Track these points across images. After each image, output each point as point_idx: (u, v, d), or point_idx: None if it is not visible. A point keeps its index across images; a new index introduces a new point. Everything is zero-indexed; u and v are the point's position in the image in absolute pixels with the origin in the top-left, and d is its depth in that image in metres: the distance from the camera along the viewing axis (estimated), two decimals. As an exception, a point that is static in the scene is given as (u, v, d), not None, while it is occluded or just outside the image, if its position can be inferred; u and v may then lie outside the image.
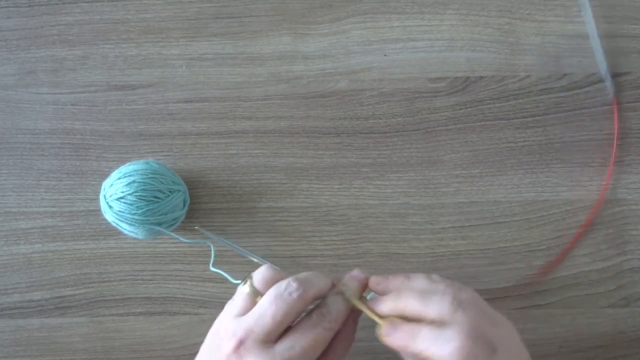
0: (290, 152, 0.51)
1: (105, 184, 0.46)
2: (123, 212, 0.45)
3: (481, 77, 0.51)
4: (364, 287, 0.39)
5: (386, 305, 0.36)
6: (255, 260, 0.43)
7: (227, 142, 0.51)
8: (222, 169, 0.51)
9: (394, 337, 0.34)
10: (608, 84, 0.49)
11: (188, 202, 0.48)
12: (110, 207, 0.45)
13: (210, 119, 0.51)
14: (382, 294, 0.37)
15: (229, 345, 0.34)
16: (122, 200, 0.45)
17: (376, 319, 0.36)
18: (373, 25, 0.51)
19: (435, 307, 0.34)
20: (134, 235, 0.47)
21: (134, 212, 0.44)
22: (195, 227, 0.49)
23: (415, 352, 0.33)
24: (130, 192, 0.44)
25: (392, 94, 0.51)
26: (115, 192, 0.45)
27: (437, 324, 0.33)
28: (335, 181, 0.50)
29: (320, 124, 0.51)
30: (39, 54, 0.52)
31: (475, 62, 0.51)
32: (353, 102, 0.51)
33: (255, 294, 0.36)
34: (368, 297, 0.38)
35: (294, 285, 0.35)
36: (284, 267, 0.49)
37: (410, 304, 0.35)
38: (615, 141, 0.50)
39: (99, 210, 0.47)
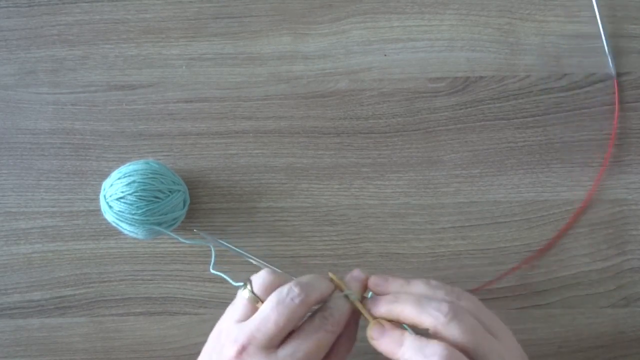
0: (290, 152, 0.51)
1: (105, 184, 0.46)
2: (123, 212, 0.45)
3: (481, 77, 0.51)
4: (365, 287, 0.39)
5: (382, 307, 0.36)
6: (254, 262, 0.43)
7: (227, 142, 0.51)
8: (222, 169, 0.51)
9: (379, 342, 0.35)
10: (612, 63, 0.49)
11: (188, 202, 0.48)
12: (110, 207, 0.45)
13: (210, 119, 0.51)
14: (380, 295, 0.37)
15: (231, 351, 0.34)
16: (122, 200, 0.45)
17: (370, 318, 0.36)
18: (373, 25, 0.51)
19: (431, 315, 0.33)
20: (134, 235, 0.47)
21: (134, 212, 0.44)
22: (194, 230, 0.49)
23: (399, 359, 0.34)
24: (130, 192, 0.44)
25: (392, 94, 0.51)
26: (115, 192, 0.45)
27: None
28: (335, 181, 0.50)
29: (320, 124, 0.51)
30: (39, 54, 0.52)
31: (475, 62, 0.51)
32: (353, 102, 0.51)
33: (256, 300, 0.36)
34: (368, 296, 0.38)
35: (296, 290, 0.35)
36: (284, 267, 0.49)
37: (406, 310, 0.34)
38: (612, 140, 0.50)
39: (99, 210, 0.47)
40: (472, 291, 0.46)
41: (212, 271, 0.45)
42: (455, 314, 0.33)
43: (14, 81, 0.52)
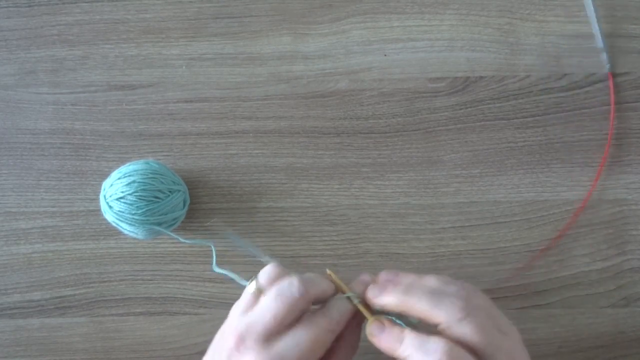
0: (290, 152, 0.51)
1: (105, 184, 0.46)
2: (123, 212, 0.45)
3: (481, 77, 0.51)
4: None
5: (393, 297, 0.35)
6: (264, 260, 0.43)
7: (227, 142, 0.51)
8: (222, 169, 0.51)
9: (379, 338, 0.34)
10: (606, 56, 0.49)
11: (188, 202, 0.48)
12: (110, 207, 0.45)
13: (210, 119, 0.51)
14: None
15: (231, 340, 0.34)
16: (122, 200, 0.45)
17: (369, 316, 0.36)
18: (373, 25, 0.51)
19: (445, 310, 0.33)
20: (134, 235, 0.47)
21: (134, 212, 0.44)
22: (210, 223, 0.48)
23: (399, 357, 0.33)
24: (130, 192, 0.44)
25: (392, 94, 0.51)
26: (115, 192, 0.45)
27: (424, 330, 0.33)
28: (335, 181, 0.50)
29: (320, 124, 0.51)
30: (39, 54, 0.52)
31: (475, 62, 0.51)
32: (353, 102, 0.51)
33: (260, 292, 0.36)
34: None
35: (296, 283, 0.35)
36: (284, 267, 0.49)
37: (419, 303, 0.34)
38: (609, 139, 0.50)
39: (99, 210, 0.47)
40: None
41: (217, 270, 0.45)
42: (468, 311, 0.33)
43: (14, 81, 0.52)
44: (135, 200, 0.44)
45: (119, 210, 0.45)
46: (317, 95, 0.51)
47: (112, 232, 0.50)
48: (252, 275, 0.38)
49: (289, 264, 0.50)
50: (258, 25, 0.52)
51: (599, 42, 0.49)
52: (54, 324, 0.50)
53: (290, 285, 0.35)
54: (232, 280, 0.42)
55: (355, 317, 0.37)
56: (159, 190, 0.45)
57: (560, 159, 0.50)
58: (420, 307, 0.34)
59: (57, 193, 0.51)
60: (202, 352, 0.50)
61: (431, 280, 0.36)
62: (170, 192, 0.46)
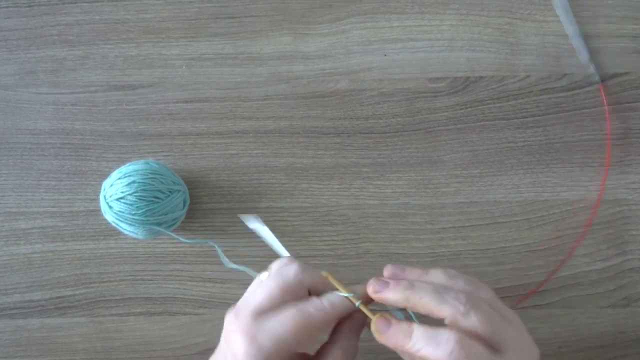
0: (290, 152, 0.51)
1: (105, 184, 0.46)
2: (123, 212, 0.45)
3: (481, 77, 0.51)
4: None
5: (398, 293, 0.35)
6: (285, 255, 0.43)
7: (227, 142, 0.51)
8: (222, 169, 0.51)
9: (387, 335, 0.34)
10: (595, 70, 0.49)
11: (188, 202, 0.48)
12: (110, 207, 0.45)
13: (210, 119, 0.51)
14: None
15: (230, 313, 0.35)
16: (122, 200, 0.45)
17: (371, 315, 0.36)
18: (373, 25, 0.51)
19: (450, 305, 0.33)
20: (134, 235, 0.47)
21: (134, 212, 0.44)
22: (239, 215, 0.48)
23: (409, 352, 0.33)
24: (130, 192, 0.44)
25: (392, 94, 0.51)
26: (115, 192, 0.45)
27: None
28: (335, 181, 0.50)
29: (320, 124, 0.51)
30: (39, 54, 0.52)
31: (475, 62, 0.51)
32: (353, 102, 0.51)
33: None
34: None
35: (294, 267, 0.36)
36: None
37: (424, 299, 0.34)
38: (608, 141, 0.50)
39: (99, 210, 0.47)
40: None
41: (230, 265, 0.44)
42: (473, 303, 0.33)
43: (14, 81, 0.52)
44: (135, 201, 0.44)
45: (119, 211, 0.45)
46: (317, 95, 0.51)
47: (112, 232, 0.50)
48: (261, 270, 0.38)
49: (289, 264, 0.50)
50: (258, 25, 0.52)
51: (584, 55, 0.49)
52: (54, 324, 0.50)
53: (288, 268, 0.36)
54: (248, 275, 0.42)
55: (351, 323, 0.37)
56: (159, 191, 0.45)
57: (560, 159, 0.50)
58: (424, 302, 0.34)
59: (57, 193, 0.51)
60: (202, 352, 0.50)
61: (436, 275, 0.36)
62: (170, 192, 0.46)
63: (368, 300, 0.37)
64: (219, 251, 0.45)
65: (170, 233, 0.46)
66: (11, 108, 0.51)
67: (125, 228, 0.46)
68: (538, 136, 0.50)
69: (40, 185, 0.51)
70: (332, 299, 0.36)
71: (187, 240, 0.47)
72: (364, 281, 0.37)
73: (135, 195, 0.44)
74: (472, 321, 0.33)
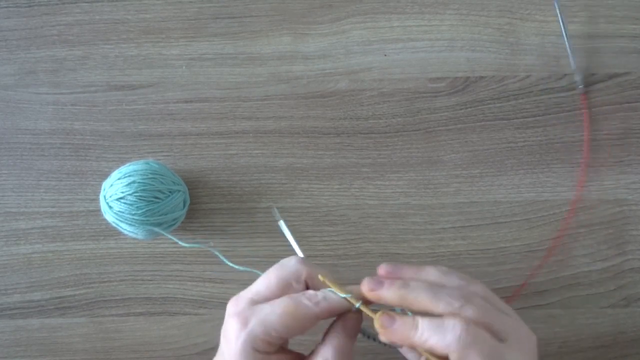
0: (290, 152, 0.51)
1: (105, 184, 0.46)
2: (123, 213, 0.45)
3: (481, 77, 0.51)
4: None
5: (393, 291, 0.35)
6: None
7: (227, 142, 0.51)
8: (222, 169, 0.51)
9: (392, 329, 0.34)
10: (579, 79, 0.49)
11: (188, 202, 0.48)
12: (110, 207, 0.45)
13: (210, 119, 0.51)
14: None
15: (231, 299, 0.36)
16: (122, 200, 0.45)
17: (372, 314, 0.36)
18: (373, 25, 0.51)
19: (445, 301, 0.33)
20: (134, 236, 0.47)
21: (134, 212, 0.44)
22: (270, 204, 0.49)
23: (415, 344, 0.33)
24: (130, 192, 0.44)
25: (392, 94, 0.51)
26: (115, 193, 0.45)
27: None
28: (335, 181, 0.50)
29: (320, 124, 0.51)
30: (39, 54, 0.52)
31: (475, 62, 0.51)
32: (353, 102, 0.51)
33: None
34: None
35: (293, 260, 0.37)
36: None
37: (420, 297, 0.34)
38: (586, 142, 0.50)
39: (99, 210, 0.47)
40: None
41: (234, 266, 0.44)
42: (467, 298, 0.34)
43: (14, 81, 0.52)
44: (135, 201, 0.44)
45: (119, 211, 0.45)
46: (317, 95, 0.51)
47: (112, 232, 0.50)
48: (264, 270, 0.38)
49: (289, 264, 0.50)
50: (258, 25, 0.52)
51: (572, 63, 0.49)
52: (54, 324, 0.50)
53: (289, 260, 0.37)
54: (251, 275, 0.42)
55: (343, 323, 0.36)
56: (159, 191, 0.45)
57: (560, 159, 0.50)
58: (420, 300, 0.34)
59: (57, 193, 0.51)
60: (202, 352, 0.50)
61: (429, 272, 0.36)
62: (170, 192, 0.46)
63: (365, 302, 0.37)
64: (219, 255, 0.45)
65: (170, 235, 0.46)
66: (11, 108, 0.51)
67: (125, 228, 0.46)
68: (538, 136, 0.50)
69: (40, 185, 0.51)
70: (329, 293, 0.36)
71: (186, 245, 0.46)
72: (361, 281, 0.37)
73: (135, 196, 0.44)
74: (468, 314, 0.33)
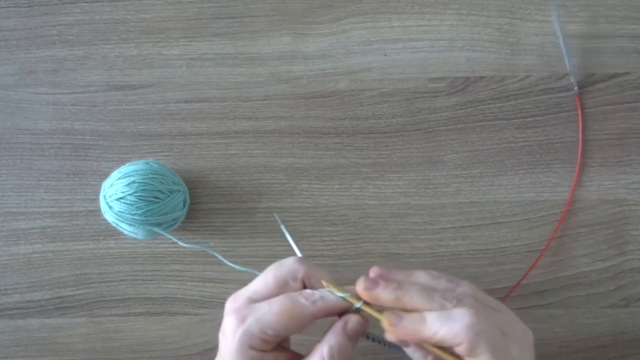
0: (290, 152, 0.51)
1: (105, 184, 0.46)
2: (123, 213, 0.45)
3: (481, 77, 0.51)
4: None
5: (387, 294, 0.35)
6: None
7: (227, 142, 0.51)
8: (222, 169, 0.51)
9: (401, 326, 0.34)
10: (573, 81, 0.50)
11: (188, 202, 0.48)
12: (110, 207, 0.45)
13: (210, 119, 0.51)
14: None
15: (230, 297, 0.37)
16: (122, 200, 0.45)
17: (375, 314, 0.35)
18: (373, 25, 0.51)
19: (439, 303, 0.34)
20: (134, 236, 0.47)
21: (133, 212, 0.44)
22: (275, 214, 0.48)
23: (424, 338, 0.33)
24: (130, 192, 0.44)
25: (392, 94, 0.51)
26: (115, 193, 0.45)
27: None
28: (335, 181, 0.50)
29: (320, 124, 0.51)
30: (39, 54, 0.52)
31: (475, 62, 0.51)
32: (353, 102, 0.51)
33: None
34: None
35: (291, 259, 0.37)
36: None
37: (414, 299, 0.35)
38: (580, 144, 0.50)
39: (99, 210, 0.47)
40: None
41: (235, 266, 0.44)
42: (459, 299, 0.34)
43: (14, 81, 0.52)
44: (135, 201, 0.44)
45: (119, 211, 0.45)
46: (317, 95, 0.51)
47: (112, 232, 0.50)
48: (263, 270, 0.38)
49: (289, 264, 0.50)
50: (258, 25, 0.52)
51: (568, 65, 0.49)
52: (54, 324, 0.50)
53: (287, 259, 0.37)
54: (251, 275, 0.42)
55: (341, 323, 0.36)
56: (159, 191, 0.45)
57: (560, 159, 0.50)
58: (414, 301, 0.35)
59: (57, 193, 0.51)
60: (202, 352, 0.50)
61: (420, 276, 0.37)
62: (170, 192, 0.46)
63: (366, 302, 0.36)
64: (219, 256, 0.45)
65: (170, 236, 0.46)
66: (11, 108, 0.51)
67: (125, 228, 0.46)
68: (538, 136, 0.50)
69: (40, 185, 0.51)
70: (326, 293, 0.36)
71: (186, 245, 0.46)
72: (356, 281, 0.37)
73: (135, 196, 0.44)
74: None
